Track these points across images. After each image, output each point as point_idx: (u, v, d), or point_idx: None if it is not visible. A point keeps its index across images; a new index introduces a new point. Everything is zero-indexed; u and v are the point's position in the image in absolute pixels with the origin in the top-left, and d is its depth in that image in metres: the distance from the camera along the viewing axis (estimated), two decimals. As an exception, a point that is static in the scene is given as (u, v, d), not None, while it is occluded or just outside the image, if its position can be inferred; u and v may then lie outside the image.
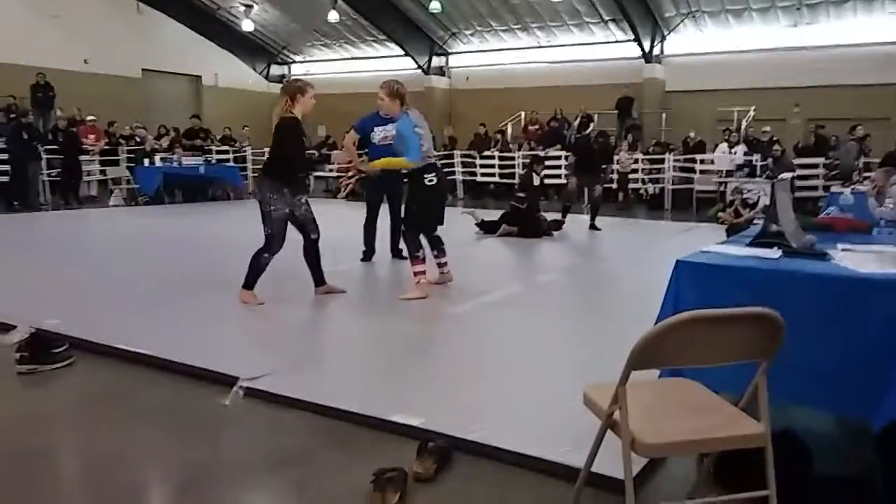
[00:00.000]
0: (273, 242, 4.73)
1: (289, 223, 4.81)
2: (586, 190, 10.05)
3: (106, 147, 14.12)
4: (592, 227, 9.56)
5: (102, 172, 13.92)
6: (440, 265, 5.41)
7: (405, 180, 6.92)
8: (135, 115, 15.95)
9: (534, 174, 9.13)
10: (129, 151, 14.09)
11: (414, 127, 4.81)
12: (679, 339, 1.77)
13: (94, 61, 17.02)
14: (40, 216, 11.37)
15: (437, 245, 5.34)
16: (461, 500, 2.30)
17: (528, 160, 11.35)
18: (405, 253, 6.73)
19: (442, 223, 5.21)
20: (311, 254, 4.97)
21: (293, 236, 4.91)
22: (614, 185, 13.61)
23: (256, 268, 4.78)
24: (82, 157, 13.33)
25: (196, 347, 3.74)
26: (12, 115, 13.01)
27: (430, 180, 4.90)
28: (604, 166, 10.62)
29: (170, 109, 18.09)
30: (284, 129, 4.69)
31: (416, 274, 5.02)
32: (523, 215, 8.74)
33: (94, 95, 15.55)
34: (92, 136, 13.92)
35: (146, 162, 13.54)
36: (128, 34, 17.85)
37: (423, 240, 5.13)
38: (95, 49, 17.01)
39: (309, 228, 4.90)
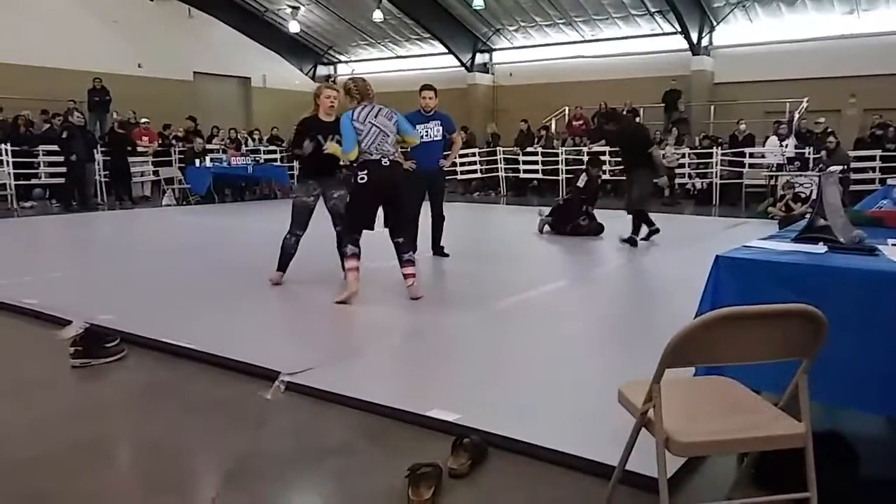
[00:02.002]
0: (292, 225, 5.32)
1: (314, 212, 5.31)
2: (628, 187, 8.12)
3: (159, 149, 14.56)
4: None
5: (155, 173, 14.35)
6: (405, 276, 4.94)
7: (446, 177, 6.95)
8: (187, 117, 16.35)
9: (584, 174, 8.70)
10: (180, 153, 14.51)
11: (352, 121, 4.72)
12: (714, 337, 1.73)
13: (148, 65, 17.54)
14: (96, 216, 11.80)
15: (400, 251, 4.96)
16: (495, 496, 2.30)
17: (572, 155, 11.11)
18: (447, 250, 6.81)
19: (370, 228, 4.88)
20: (340, 244, 5.29)
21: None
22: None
23: (283, 249, 5.37)
24: (136, 159, 13.74)
25: (240, 342, 3.84)
26: (61, 118, 13.44)
27: (362, 178, 4.76)
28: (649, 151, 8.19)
29: (221, 111, 18.50)
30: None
31: (347, 270, 4.87)
32: (565, 210, 8.65)
33: (148, 98, 16.02)
34: (145, 138, 14.37)
35: (197, 162, 13.92)
36: (180, 38, 18.33)
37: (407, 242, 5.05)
38: (149, 53, 17.54)
39: (335, 221, 5.36)
